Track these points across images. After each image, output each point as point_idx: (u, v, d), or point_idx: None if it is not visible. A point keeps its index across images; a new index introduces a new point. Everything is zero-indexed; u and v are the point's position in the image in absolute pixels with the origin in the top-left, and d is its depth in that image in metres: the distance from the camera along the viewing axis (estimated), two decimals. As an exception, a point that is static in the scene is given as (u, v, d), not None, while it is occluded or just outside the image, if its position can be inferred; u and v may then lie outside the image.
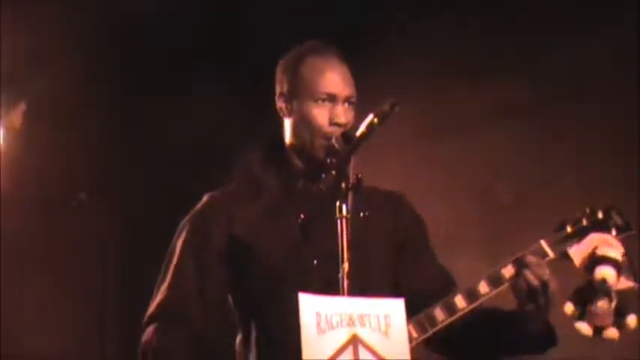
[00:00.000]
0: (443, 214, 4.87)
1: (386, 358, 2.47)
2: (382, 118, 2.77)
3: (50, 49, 5.30)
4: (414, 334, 2.88)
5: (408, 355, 2.52)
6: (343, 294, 2.53)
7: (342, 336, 2.46)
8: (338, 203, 2.59)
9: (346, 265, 2.54)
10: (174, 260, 3.07)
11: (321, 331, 2.45)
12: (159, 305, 3.03)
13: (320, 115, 3.02)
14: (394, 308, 2.54)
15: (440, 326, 2.91)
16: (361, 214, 2.66)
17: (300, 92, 3.06)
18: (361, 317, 2.49)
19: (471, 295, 2.93)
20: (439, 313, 2.91)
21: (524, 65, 4.84)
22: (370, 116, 2.78)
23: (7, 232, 5.43)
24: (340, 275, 2.54)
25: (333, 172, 2.76)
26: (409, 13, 5.15)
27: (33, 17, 5.19)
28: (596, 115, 4.72)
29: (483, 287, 2.93)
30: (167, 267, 3.08)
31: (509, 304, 2.97)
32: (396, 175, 4.98)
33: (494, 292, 2.93)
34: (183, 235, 3.09)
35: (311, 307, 2.46)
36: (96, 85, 5.63)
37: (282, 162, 3.12)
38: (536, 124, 4.83)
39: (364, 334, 2.48)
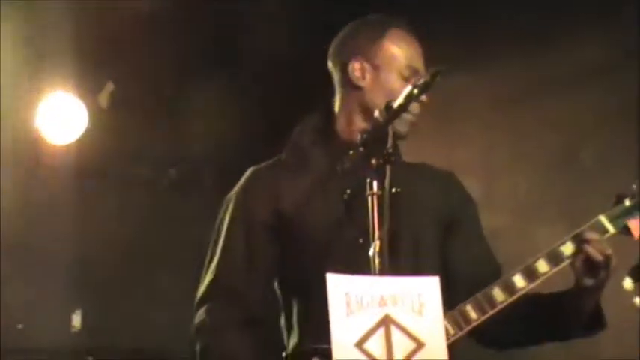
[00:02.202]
0: (525, 180, 4.74)
1: (420, 338, 2.38)
2: (423, 88, 2.68)
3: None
4: (473, 315, 2.81)
5: (443, 335, 2.43)
6: (375, 273, 2.45)
7: (373, 316, 2.37)
8: (368, 180, 2.51)
9: (377, 243, 2.46)
10: (222, 238, 3.03)
11: (350, 311, 2.37)
12: (209, 285, 3.00)
13: (403, 89, 2.87)
14: (428, 286, 2.44)
15: (499, 307, 2.82)
16: (393, 190, 2.56)
17: (384, 62, 3.00)
18: (394, 297, 2.40)
19: (530, 274, 2.83)
20: (498, 294, 2.82)
21: (608, 24, 4.62)
22: (409, 87, 2.69)
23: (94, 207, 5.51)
24: (371, 254, 2.46)
25: (361, 149, 2.67)
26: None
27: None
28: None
29: (542, 266, 2.84)
30: (215, 245, 3.04)
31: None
32: (477, 143, 4.87)
33: (555, 269, 2.85)
34: (230, 211, 3.04)
35: (340, 287, 2.39)
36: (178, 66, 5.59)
37: (332, 136, 3.05)
38: (621, 86, 4.60)
39: (397, 314, 2.39)
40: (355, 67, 3.03)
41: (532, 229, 4.66)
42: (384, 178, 2.53)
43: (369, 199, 2.50)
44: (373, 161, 2.54)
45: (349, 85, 3.05)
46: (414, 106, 2.89)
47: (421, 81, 2.68)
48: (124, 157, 5.70)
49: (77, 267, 5.49)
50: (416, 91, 2.68)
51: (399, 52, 3.00)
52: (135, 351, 5.67)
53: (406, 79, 2.96)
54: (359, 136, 2.67)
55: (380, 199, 2.50)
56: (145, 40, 5.23)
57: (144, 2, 5.01)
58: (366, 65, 3.02)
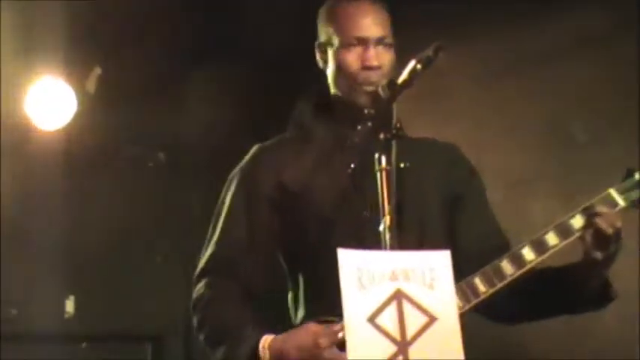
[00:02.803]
0: (517, 154, 4.75)
1: (432, 312, 2.40)
2: (426, 63, 2.68)
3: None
4: (482, 289, 2.79)
5: (455, 309, 2.44)
6: (385, 248, 2.46)
7: (385, 291, 2.39)
8: (377, 155, 2.52)
9: (387, 218, 2.47)
10: (224, 212, 3.03)
11: (362, 286, 2.38)
12: (209, 259, 3.00)
13: (351, 60, 2.95)
14: (440, 260, 2.46)
15: (508, 280, 2.80)
16: (402, 165, 2.57)
17: (333, 40, 3.00)
18: (405, 271, 2.42)
19: (540, 246, 2.82)
20: (507, 266, 2.81)
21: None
22: (412, 62, 2.69)
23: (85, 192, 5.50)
24: (382, 229, 2.47)
25: (369, 124, 2.67)
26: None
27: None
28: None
29: (552, 239, 2.83)
30: (217, 220, 3.04)
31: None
32: (468, 117, 4.87)
33: (564, 243, 2.83)
34: (233, 186, 3.05)
35: (351, 262, 2.40)
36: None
37: (332, 112, 3.05)
38: (613, 55, 4.60)
39: (408, 288, 2.41)
40: (317, 54, 3.08)
41: (525, 204, 4.68)
42: (391, 153, 2.54)
43: (378, 174, 2.51)
44: (381, 136, 2.55)
45: (321, 67, 3.09)
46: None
47: (424, 56, 2.69)
48: (114, 141, 5.68)
49: (70, 252, 5.47)
50: (419, 66, 2.68)
51: (343, 25, 2.98)
52: (129, 336, 5.68)
53: (354, 48, 2.95)
54: (365, 112, 2.68)
55: (388, 174, 2.51)
56: (134, 24, 5.21)
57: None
58: (323, 47, 3.04)
